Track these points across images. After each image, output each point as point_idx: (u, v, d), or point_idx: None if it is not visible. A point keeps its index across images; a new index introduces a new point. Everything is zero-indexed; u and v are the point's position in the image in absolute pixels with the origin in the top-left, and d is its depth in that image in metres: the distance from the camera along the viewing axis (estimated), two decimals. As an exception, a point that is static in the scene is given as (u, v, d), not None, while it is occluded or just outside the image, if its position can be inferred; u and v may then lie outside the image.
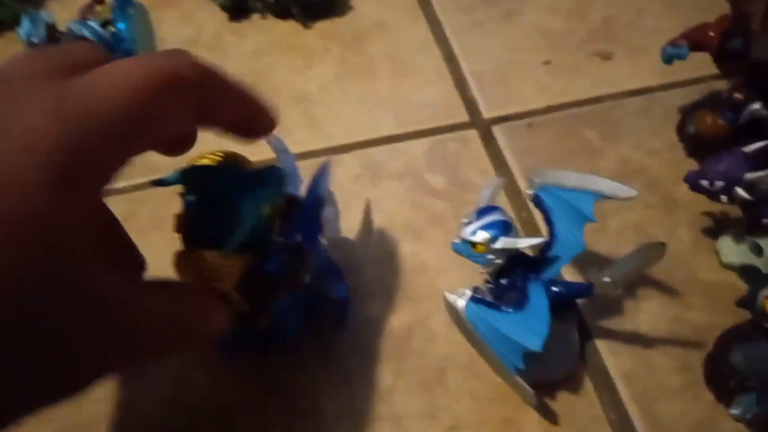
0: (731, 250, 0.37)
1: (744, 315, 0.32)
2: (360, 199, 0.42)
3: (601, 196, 0.30)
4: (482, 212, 0.31)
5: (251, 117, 0.28)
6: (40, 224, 0.18)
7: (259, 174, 0.29)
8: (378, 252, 0.39)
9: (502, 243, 0.30)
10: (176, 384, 0.34)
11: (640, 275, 0.35)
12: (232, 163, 0.29)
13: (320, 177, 0.34)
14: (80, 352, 0.20)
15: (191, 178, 0.28)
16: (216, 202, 0.27)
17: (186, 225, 0.28)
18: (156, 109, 0.22)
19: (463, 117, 0.47)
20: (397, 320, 0.36)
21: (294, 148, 0.45)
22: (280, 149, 0.36)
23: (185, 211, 0.29)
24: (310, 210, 0.33)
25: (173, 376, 0.34)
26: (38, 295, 0.19)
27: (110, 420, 0.32)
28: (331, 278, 0.35)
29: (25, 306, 0.18)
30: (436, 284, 0.37)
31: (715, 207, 0.39)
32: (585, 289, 0.30)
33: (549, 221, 0.32)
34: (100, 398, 0.33)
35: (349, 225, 0.40)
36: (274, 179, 0.29)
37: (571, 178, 0.31)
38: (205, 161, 0.29)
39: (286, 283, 0.31)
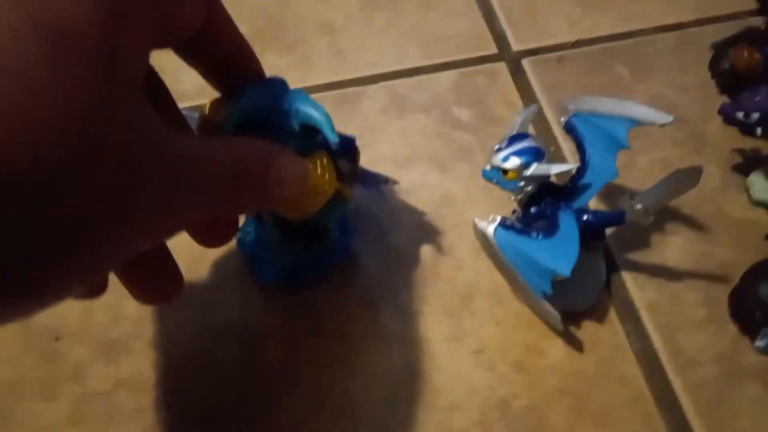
0: (762, 186, 0.36)
1: (772, 251, 0.32)
2: (386, 131, 0.42)
3: (636, 123, 0.30)
4: (514, 139, 0.31)
5: (248, 56, 0.27)
6: (94, 49, 0.16)
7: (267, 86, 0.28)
8: (405, 184, 0.39)
9: (534, 169, 0.29)
10: (203, 305, 0.34)
11: (669, 207, 0.34)
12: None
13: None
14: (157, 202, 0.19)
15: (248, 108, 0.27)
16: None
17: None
18: None
19: (492, 49, 0.46)
20: (424, 249, 0.36)
21: (318, 79, 0.45)
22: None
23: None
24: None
25: (200, 297, 0.34)
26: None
27: (140, 339, 0.33)
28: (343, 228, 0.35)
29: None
30: (463, 215, 0.37)
31: (745, 144, 0.39)
32: (616, 217, 0.30)
33: (581, 148, 0.32)
34: (132, 317, 0.34)
35: (375, 157, 0.40)
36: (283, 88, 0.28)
37: (606, 104, 0.31)
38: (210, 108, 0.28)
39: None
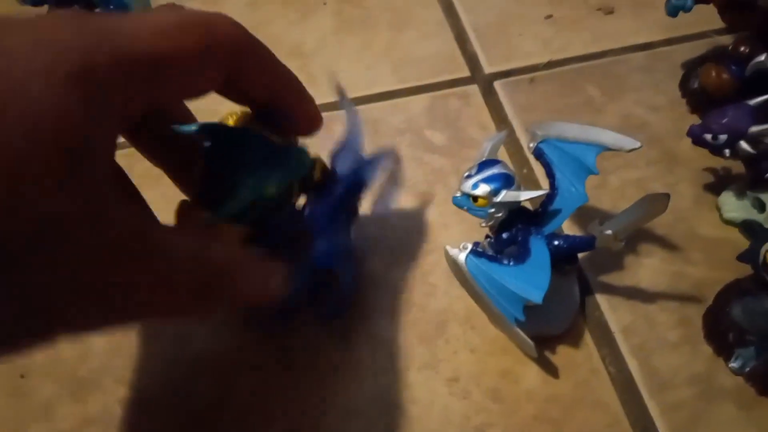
0: (733, 205, 0.37)
1: (744, 271, 0.32)
2: (359, 155, 0.41)
3: (604, 149, 0.30)
4: (484, 165, 0.30)
5: (288, 102, 0.27)
6: (66, 126, 0.16)
7: (281, 150, 0.27)
8: (377, 208, 0.39)
9: (503, 196, 0.29)
10: (176, 338, 0.34)
11: (642, 228, 0.34)
12: (258, 131, 0.26)
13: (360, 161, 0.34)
14: (83, 289, 0.18)
15: (208, 134, 0.25)
16: (222, 166, 0.25)
17: (198, 178, 0.26)
18: (184, 54, 0.20)
19: (464, 72, 0.46)
20: (398, 275, 0.36)
21: (291, 103, 0.44)
22: (346, 105, 0.35)
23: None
24: (334, 195, 0.31)
25: (172, 330, 0.34)
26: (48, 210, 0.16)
27: (110, 375, 0.32)
28: (342, 264, 0.33)
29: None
30: (437, 240, 0.37)
31: (716, 163, 0.39)
32: (586, 243, 0.30)
33: (550, 174, 0.32)
34: (101, 352, 0.33)
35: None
36: (293, 160, 0.27)
37: (573, 130, 0.31)
38: (232, 121, 0.26)
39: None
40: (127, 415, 0.31)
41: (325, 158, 0.32)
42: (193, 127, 0.24)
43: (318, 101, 0.45)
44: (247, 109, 0.27)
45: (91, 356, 0.33)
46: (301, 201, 0.31)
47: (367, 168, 0.34)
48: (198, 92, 0.23)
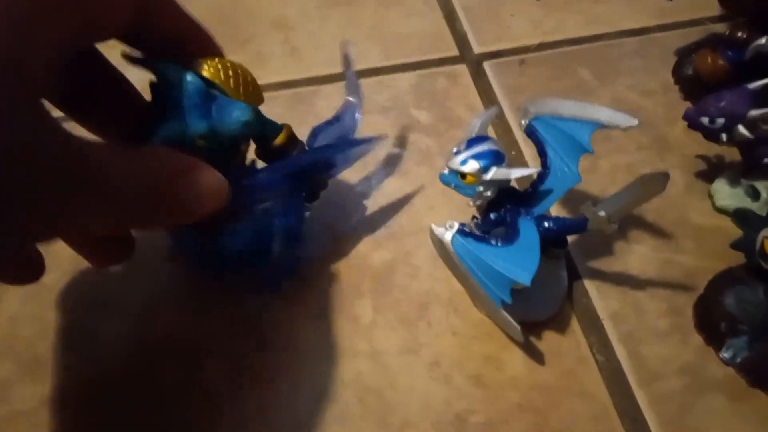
0: (726, 193, 0.36)
1: (735, 260, 0.31)
2: (342, 132, 0.40)
3: (599, 126, 0.29)
4: (473, 141, 0.29)
5: (192, 37, 0.26)
6: None
7: (222, 102, 0.26)
8: (361, 188, 0.37)
9: (493, 173, 0.28)
10: (139, 317, 0.32)
11: (632, 214, 0.33)
12: (206, 82, 0.26)
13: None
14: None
15: (154, 69, 0.26)
16: (159, 103, 0.25)
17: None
18: None
19: (453, 51, 0.45)
20: (380, 257, 0.34)
21: (272, 78, 0.43)
22: (350, 79, 0.34)
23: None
24: (289, 164, 0.30)
25: (136, 308, 0.32)
26: None
27: (72, 354, 0.31)
28: (290, 243, 0.32)
29: None
30: (421, 221, 0.36)
31: (709, 150, 0.38)
32: (578, 225, 0.29)
33: (542, 153, 0.30)
34: (61, 330, 0.31)
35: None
36: (231, 115, 0.26)
37: (567, 107, 0.29)
38: (201, 67, 0.26)
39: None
40: (89, 397, 0.29)
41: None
42: (138, 57, 0.25)
43: (301, 75, 0.43)
44: (224, 61, 0.27)
45: (49, 334, 0.31)
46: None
47: (346, 149, 0.33)
48: (114, 27, 0.23)
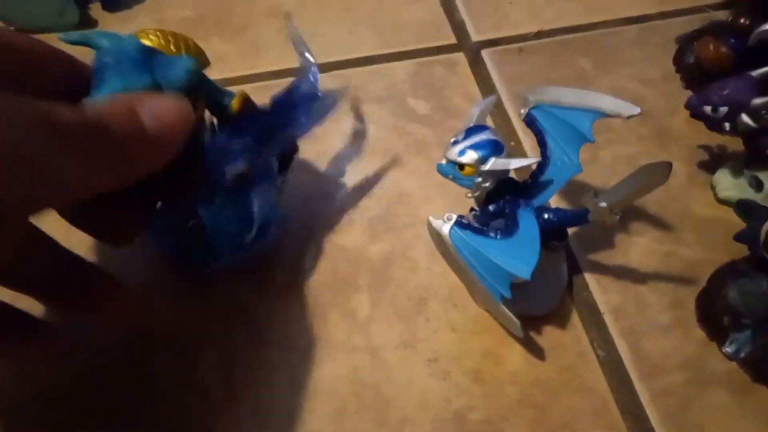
0: (729, 184, 0.35)
1: (738, 252, 0.31)
2: (338, 123, 0.39)
3: (601, 115, 0.28)
4: (471, 131, 0.28)
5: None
6: None
7: (161, 60, 0.26)
8: (357, 179, 0.37)
9: (492, 164, 0.27)
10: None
11: (633, 206, 0.33)
12: (152, 46, 0.26)
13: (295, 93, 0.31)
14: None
15: (93, 37, 0.25)
16: (97, 73, 0.25)
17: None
18: None
19: (450, 39, 0.44)
20: (376, 250, 0.34)
21: (267, 66, 0.42)
22: (297, 41, 0.33)
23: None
24: (241, 126, 0.29)
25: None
26: None
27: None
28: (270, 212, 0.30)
29: None
30: (418, 213, 0.35)
31: (711, 140, 0.37)
32: (579, 216, 0.28)
33: (542, 143, 0.29)
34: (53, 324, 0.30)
35: (326, 150, 0.38)
36: (172, 72, 0.25)
37: (568, 95, 0.29)
38: (141, 35, 0.26)
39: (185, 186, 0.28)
40: (82, 392, 0.29)
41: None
42: (74, 37, 0.25)
43: (295, 64, 0.42)
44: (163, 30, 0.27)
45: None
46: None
47: (306, 104, 0.31)
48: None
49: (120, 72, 0.24)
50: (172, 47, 0.26)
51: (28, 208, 0.20)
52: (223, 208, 0.28)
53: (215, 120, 0.30)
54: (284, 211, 0.31)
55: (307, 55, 0.33)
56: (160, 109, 0.23)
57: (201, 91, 0.28)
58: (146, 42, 0.26)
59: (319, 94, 0.32)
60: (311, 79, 0.32)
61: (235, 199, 0.29)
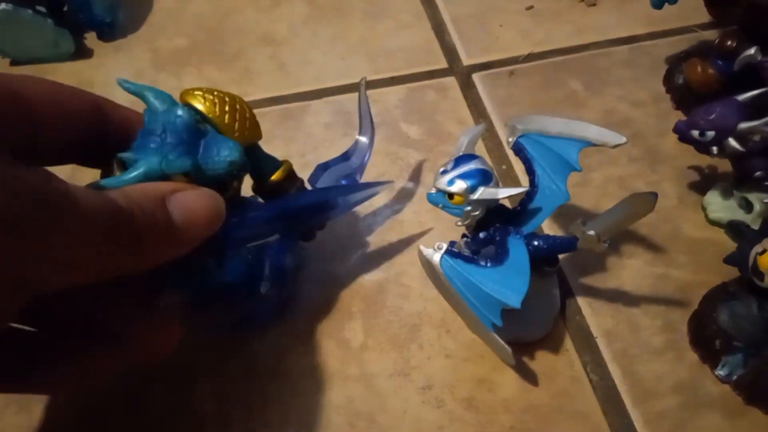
0: (719, 205, 0.35)
1: (730, 273, 0.31)
2: (331, 149, 0.39)
3: (588, 144, 0.28)
4: (460, 160, 0.28)
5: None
6: None
7: (207, 139, 0.25)
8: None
9: (480, 193, 0.27)
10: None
11: (626, 229, 0.33)
12: (195, 117, 0.25)
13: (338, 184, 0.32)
14: None
15: (148, 97, 0.25)
16: (143, 136, 0.24)
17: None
18: None
19: (441, 63, 0.45)
20: (369, 277, 0.34)
21: (260, 94, 0.43)
22: (364, 111, 0.33)
23: None
24: (282, 204, 0.29)
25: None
26: None
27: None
28: (279, 281, 0.31)
29: None
30: (411, 239, 0.35)
31: (702, 161, 0.38)
32: (567, 244, 0.28)
33: (530, 171, 0.30)
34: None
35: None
36: (217, 153, 0.25)
37: (555, 125, 0.29)
38: (196, 98, 0.25)
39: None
40: (77, 426, 0.29)
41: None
42: (130, 86, 0.25)
43: (288, 91, 0.43)
44: (221, 93, 0.26)
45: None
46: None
47: (349, 193, 0.32)
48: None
49: (162, 150, 0.24)
50: (226, 119, 0.26)
51: (34, 285, 0.19)
52: (234, 271, 0.29)
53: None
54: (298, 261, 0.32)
55: (365, 138, 0.33)
56: (191, 204, 0.23)
57: (245, 168, 0.27)
58: (200, 106, 0.25)
59: (363, 183, 0.33)
60: (361, 162, 0.33)
61: (249, 264, 0.29)
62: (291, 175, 0.30)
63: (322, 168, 0.32)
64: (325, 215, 0.31)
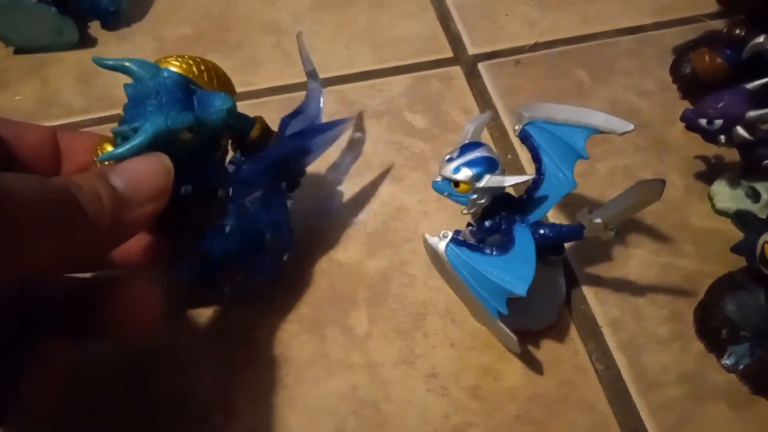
0: (726, 195, 0.35)
1: (737, 263, 0.31)
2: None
3: (595, 131, 0.28)
4: (466, 148, 0.28)
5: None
6: None
7: (198, 95, 0.26)
8: (354, 194, 0.37)
9: (486, 181, 0.27)
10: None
11: (631, 217, 0.33)
12: (183, 76, 0.26)
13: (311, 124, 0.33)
14: None
15: (130, 72, 0.25)
16: (134, 105, 0.25)
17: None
18: None
19: (447, 53, 0.44)
20: (374, 265, 0.34)
21: (264, 83, 0.42)
22: (306, 61, 0.35)
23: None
24: (269, 156, 0.31)
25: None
26: None
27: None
28: (280, 234, 0.31)
29: None
30: (416, 228, 0.35)
31: (708, 151, 0.37)
32: (574, 232, 0.28)
33: (537, 159, 0.30)
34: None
35: (322, 166, 0.38)
36: (211, 107, 0.26)
37: (562, 112, 0.29)
38: (172, 64, 0.26)
39: (205, 214, 0.28)
40: (82, 413, 0.29)
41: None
42: (109, 62, 0.25)
43: (292, 80, 0.43)
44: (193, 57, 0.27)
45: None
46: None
47: (319, 134, 0.33)
48: None
49: (163, 110, 0.24)
50: (204, 77, 0.27)
51: None
52: (232, 237, 0.29)
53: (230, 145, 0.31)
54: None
55: (314, 85, 0.35)
56: (132, 169, 0.23)
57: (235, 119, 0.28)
58: (179, 70, 0.26)
59: (328, 122, 0.34)
60: (317, 108, 0.34)
61: (244, 225, 0.29)
62: (267, 130, 0.31)
63: (285, 122, 0.33)
64: (304, 161, 0.33)
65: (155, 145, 0.24)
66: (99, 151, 0.26)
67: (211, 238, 0.28)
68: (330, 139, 0.34)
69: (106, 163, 0.24)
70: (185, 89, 0.25)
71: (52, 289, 0.26)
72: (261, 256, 0.30)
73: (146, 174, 0.23)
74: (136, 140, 0.23)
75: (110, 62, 0.25)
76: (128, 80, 0.25)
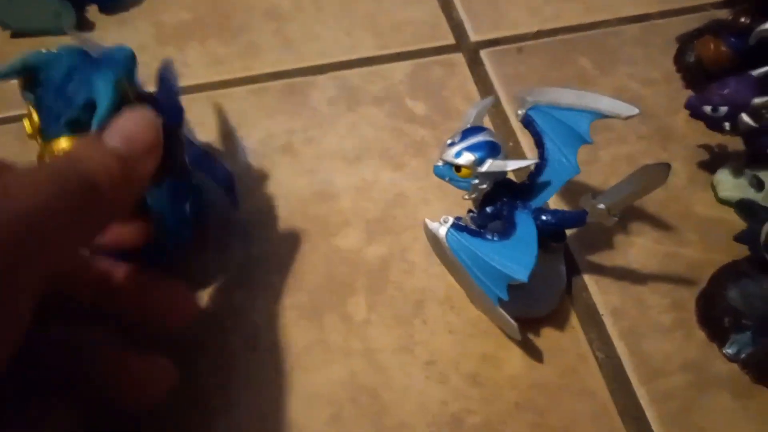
0: (729, 184, 0.35)
1: (739, 253, 0.30)
2: (335, 125, 0.39)
3: (599, 116, 0.28)
4: (468, 132, 0.28)
5: None
6: None
7: (104, 54, 0.26)
8: (354, 181, 0.36)
9: (488, 166, 0.27)
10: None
11: (633, 205, 0.32)
12: (71, 49, 0.27)
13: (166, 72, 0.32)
14: None
15: (33, 66, 0.25)
16: (62, 88, 0.25)
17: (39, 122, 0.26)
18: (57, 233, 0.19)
19: (449, 39, 0.44)
20: (373, 252, 0.33)
21: (264, 68, 0.42)
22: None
23: (35, 108, 0.26)
24: (167, 96, 0.30)
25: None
26: None
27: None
28: (207, 164, 0.32)
29: None
30: (416, 215, 0.35)
31: (712, 139, 0.37)
32: (577, 218, 0.28)
33: (540, 144, 0.29)
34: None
35: (323, 152, 0.38)
36: (121, 56, 0.26)
37: (566, 96, 0.28)
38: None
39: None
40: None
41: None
42: (12, 67, 0.25)
43: (293, 66, 0.42)
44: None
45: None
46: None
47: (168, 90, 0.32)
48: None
49: (100, 70, 0.24)
50: None
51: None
52: (161, 197, 0.28)
53: None
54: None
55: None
56: (125, 126, 0.22)
57: None
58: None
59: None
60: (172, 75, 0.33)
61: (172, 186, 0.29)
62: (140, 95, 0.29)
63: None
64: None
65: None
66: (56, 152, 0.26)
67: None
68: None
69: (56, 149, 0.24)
70: (86, 56, 0.26)
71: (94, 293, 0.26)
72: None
73: (137, 128, 0.23)
74: (104, 104, 0.24)
75: (5, 69, 0.26)
76: None
